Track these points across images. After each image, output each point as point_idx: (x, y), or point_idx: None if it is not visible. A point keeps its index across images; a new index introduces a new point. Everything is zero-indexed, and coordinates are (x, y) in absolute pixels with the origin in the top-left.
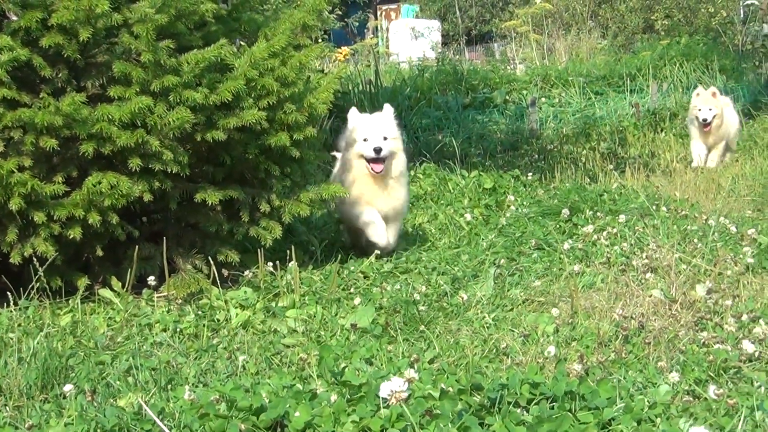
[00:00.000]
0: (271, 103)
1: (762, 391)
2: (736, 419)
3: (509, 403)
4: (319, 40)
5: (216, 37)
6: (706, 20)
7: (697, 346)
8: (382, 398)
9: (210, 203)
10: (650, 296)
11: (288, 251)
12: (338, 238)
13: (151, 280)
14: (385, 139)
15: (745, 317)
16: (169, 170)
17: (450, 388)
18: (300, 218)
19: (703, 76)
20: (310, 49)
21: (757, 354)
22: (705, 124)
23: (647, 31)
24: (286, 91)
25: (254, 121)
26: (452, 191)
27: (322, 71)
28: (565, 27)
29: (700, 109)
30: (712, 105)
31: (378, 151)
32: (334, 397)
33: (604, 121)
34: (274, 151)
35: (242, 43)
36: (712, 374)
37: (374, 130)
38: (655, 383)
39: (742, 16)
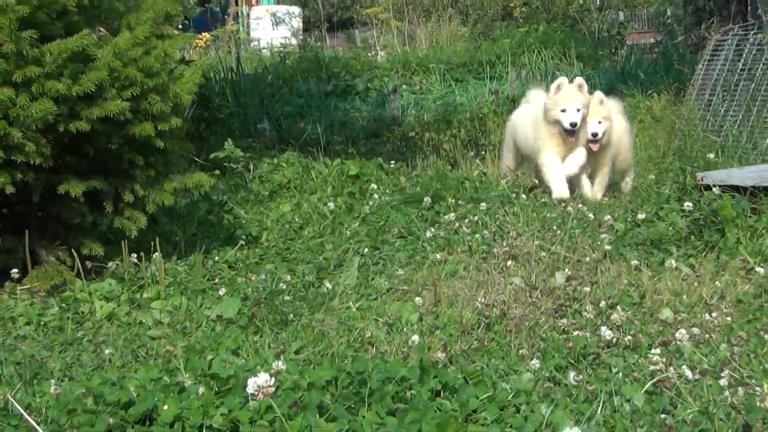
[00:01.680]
0: (134, 93)
1: (620, 376)
2: (595, 405)
3: (376, 392)
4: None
5: (78, 27)
6: (564, 8)
7: (557, 333)
8: (250, 394)
9: (73, 195)
10: (511, 284)
11: (152, 242)
12: (203, 228)
13: (14, 272)
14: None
15: (603, 304)
16: (31, 162)
17: (317, 379)
18: (164, 209)
19: (560, 63)
20: (174, 39)
21: (614, 340)
22: (571, 132)
23: (506, 19)
24: (150, 82)
25: (118, 111)
26: (315, 179)
27: (183, 59)
28: (425, 14)
29: (564, 110)
30: (580, 104)
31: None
32: (202, 390)
33: (465, 108)
34: (138, 141)
35: (102, 30)
36: (572, 360)
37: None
38: (517, 370)
39: (598, 3)
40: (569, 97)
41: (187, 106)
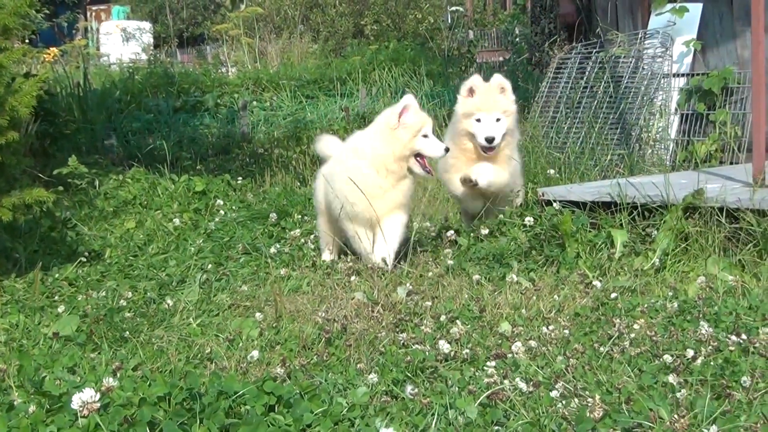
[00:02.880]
0: None
1: (455, 389)
2: (429, 417)
3: (208, 407)
4: (26, 40)
5: None
6: (414, 26)
7: (397, 346)
8: (77, 409)
9: None
10: (353, 299)
11: None
12: (44, 245)
13: None
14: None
15: (443, 318)
16: None
17: (149, 396)
18: (3, 225)
19: (411, 81)
20: (11, 52)
21: (452, 353)
22: (489, 147)
23: (357, 36)
24: None
25: None
26: (161, 196)
27: (28, 74)
28: (276, 31)
29: (479, 119)
30: (500, 111)
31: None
32: (32, 408)
33: (315, 125)
34: None
35: None
36: (409, 374)
37: None
38: (356, 385)
39: (449, 22)
40: (488, 102)
41: (26, 119)
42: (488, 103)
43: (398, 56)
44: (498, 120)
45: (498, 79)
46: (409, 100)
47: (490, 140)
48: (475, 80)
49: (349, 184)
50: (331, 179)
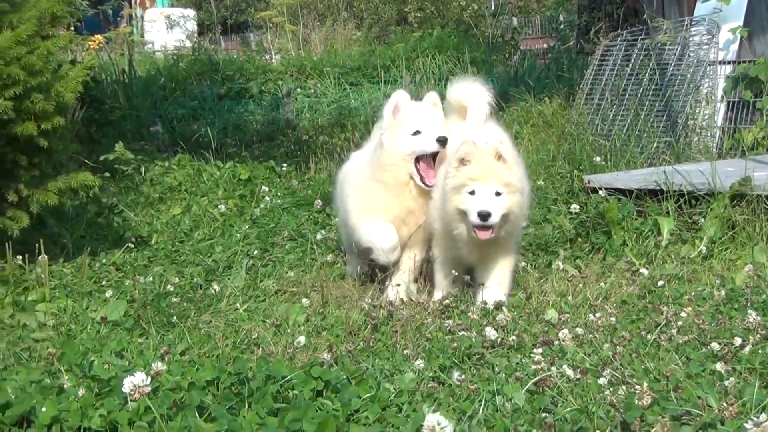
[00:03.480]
0: (17, 92)
1: (502, 376)
2: (476, 403)
3: (257, 392)
4: (72, 27)
5: None
6: (458, 13)
7: (443, 333)
8: (128, 393)
9: None
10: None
11: (38, 244)
12: (91, 230)
13: None
14: None
15: (489, 305)
16: None
17: (197, 380)
18: (51, 210)
19: (454, 68)
20: (58, 38)
21: (499, 340)
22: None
23: (401, 23)
24: (33, 81)
25: (0, 110)
26: (207, 182)
27: (74, 61)
28: (320, 18)
29: (473, 192)
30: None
31: None
32: (82, 392)
33: (359, 112)
34: (21, 140)
35: None
36: (456, 360)
37: None
38: (402, 371)
39: (492, 8)
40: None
41: (72, 105)
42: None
43: (442, 43)
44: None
45: (431, 96)
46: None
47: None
48: (399, 95)
49: None
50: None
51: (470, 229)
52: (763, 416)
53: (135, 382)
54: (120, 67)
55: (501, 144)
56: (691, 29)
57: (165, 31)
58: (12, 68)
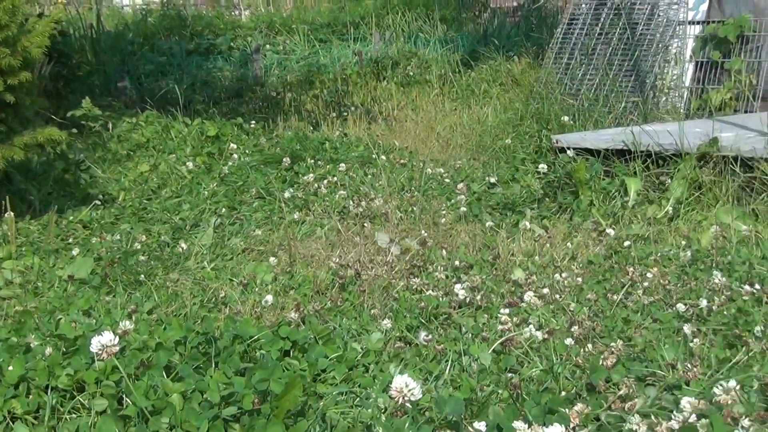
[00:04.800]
0: None
1: (469, 336)
2: (443, 364)
3: (224, 351)
4: None
5: None
6: None
7: (411, 293)
8: (96, 352)
9: None
10: (370, 244)
11: (4, 201)
12: (59, 187)
13: None
14: None
15: (456, 264)
16: None
17: (165, 340)
18: (17, 166)
19: (424, 26)
20: None
21: (466, 300)
22: None
23: None
24: None
25: None
26: (175, 139)
27: (41, 14)
28: None
29: None
30: None
31: None
32: (49, 350)
33: (328, 69)
34: None
35: None
36: (423, 320)
37: None
38: (369, 330)
39: None
40: None
41: (39, 60)
42: None
43: (412, 1)
44: None
45: None
46: None
47: None
48: None
49: None
50: None
51: None
52: (732, 382)
53: (103, 341)
54: (88, 22)
55: None
56: None
57: None
58: None
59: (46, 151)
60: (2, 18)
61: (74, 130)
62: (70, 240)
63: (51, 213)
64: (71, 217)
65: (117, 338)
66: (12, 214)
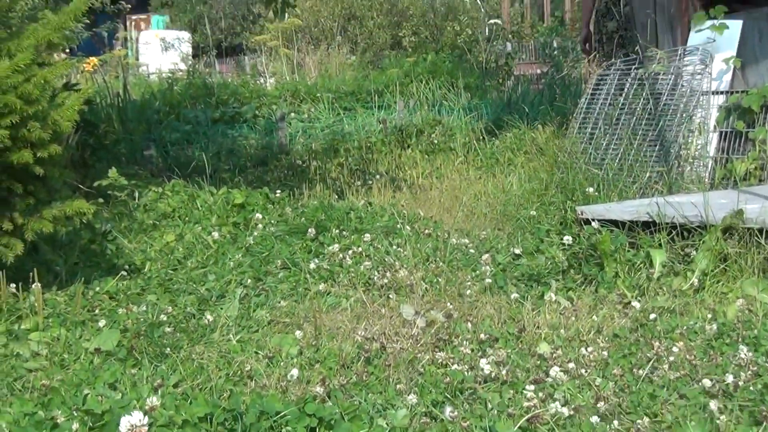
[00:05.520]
0: (14, 120)
1: (495, 412)
2: None
3: (251, 428)
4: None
5: None
6: (452, 38)
7: (436, 366)
8: None
9: None
10: (395, 316)
11: (31, 272)
12: (85, 257)
13: None
14: None
15: (482, 337)
16: None
17: (191, 416)
18: (44, 236)
19: (448, 93)
20: (54, 67)
21: (492, 374)
22: None
23: (395, 48)
24: (30, 109)
25: None
26: (200, 208)
27: (68, 83)
28: (315, 42)
29: None
30: None
31: None
32: (75, 426)
33: (353, 137)
34: (16, 168)
35: None
36: (449, 395)
37: None
38: (395, 405)
39: (486, 34)
40: None
41: (68, 133)
42: None
43: (436, 68)
44: None
45: None
46: None
47: None
48: None
49: None
50: None
51: None
52: None
53: (132, 421)
54: (114, 90)
55: None
56: (685, 59)
57: (160, 53)
58: (9, 97)
59: (73, 221)
60: (33, 92)
61: (100, 200)
62: (97, 311)
63: (78, 284)
64: (97, 288)
65: (146, 417)
66: (39, 285)
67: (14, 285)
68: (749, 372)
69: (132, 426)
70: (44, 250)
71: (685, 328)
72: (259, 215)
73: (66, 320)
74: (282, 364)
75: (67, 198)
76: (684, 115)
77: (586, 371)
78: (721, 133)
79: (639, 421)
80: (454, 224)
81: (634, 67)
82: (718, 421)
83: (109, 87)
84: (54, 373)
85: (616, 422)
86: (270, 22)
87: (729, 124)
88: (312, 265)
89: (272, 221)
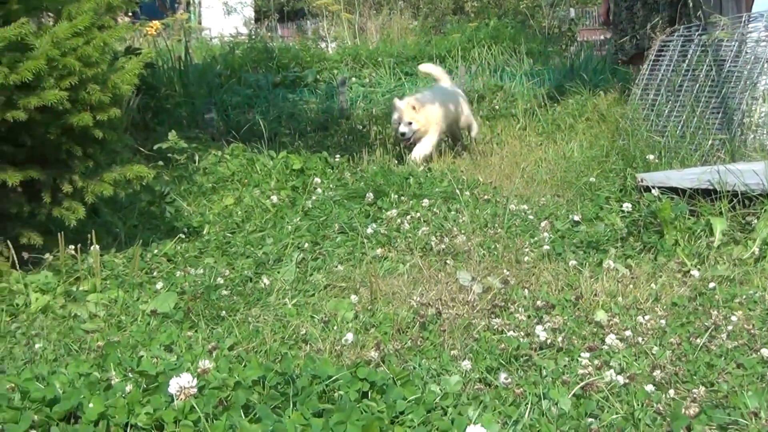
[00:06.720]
0: (73, 83)
1: (549, 379)
2: (522, 407)
3: (302, 392)
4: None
5: (17, 16)
6: (515, 3)
7: (491, 333)
8: (174, 394)
9: (10, 184)
10: (452, 282)
11: (90, 234)
12: (144, 220)
13: None
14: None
15: (539, 304)
16: None
17: (244, 379)
18: (104, 199)
19: (510, 59)
20: (114, 30)
21: (548, 341)
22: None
23: (457, 13)
24: (90, 71)
25: (56, 101)
26: (260, 172)
27: (129, 48)
28: (376, 6)
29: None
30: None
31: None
32: (129, 388)
33: None
34: (76, 131)
35: (51, 15)
36: (503, 362)
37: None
38: (449, 371)
39: None
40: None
41: (128, 97)
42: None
43: (498, 34)
44: (409, 123)
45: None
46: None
47: (402, 134)
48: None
49: None
50: None
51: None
52: None
53: (181, 383)
54: (176, 54)
55: (416, 100)
56: (749, 25)
57: (222, 17)
58: (68, 59)
59: (133, 184)
60: (93, 55)
61: (160, 163)
62: (154, 273)
63: (136, 246)
64: (156, 250)
65: (195, 380)
66: (97, 246)
67: (73, 246)
68: None
69: (181, 387)
70: (104, 213)
71: (744, 297)
72: (317, 179)
73: (124, 282)
74: (337, 328)
75: (128, 161)
76: (748, 82)
77: (642, 339)
78: None
79: (695, 390)
80: (514, 190)
81: (697, 34)
82: None
83: (171, 51)
84: (111, 335)
85: (671, 391)
86: None
87: None
88: (369, 230)
89: (331, 185)
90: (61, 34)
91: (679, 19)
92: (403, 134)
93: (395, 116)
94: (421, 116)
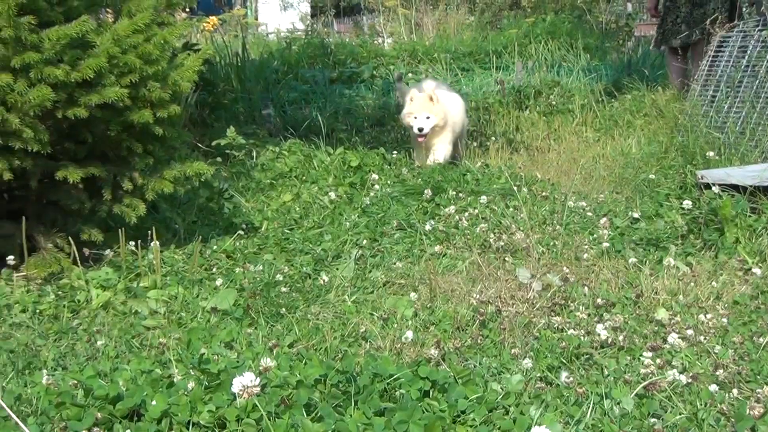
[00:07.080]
0: (133, 80)
1: (611, 378)
2: (585, 407)
3: (364, 391)
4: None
5: (78, 13)
6: None
7: (552, 331)
8: (237, 392)
9: (72, 181)
10: (511, 279)
11: (150, 230)
12: (203, 216)
13: (11, 259)
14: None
15: (599, 302)
16: (29, 148)
17: (305, 377)
18: (164, 195)
19: (567, 55)
20: (174, 27)
21: (608, 340)
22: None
23: (514, 8)
24: (150, 69)
25: (116, 98)
26: (317, 168)
27: (188, 43)
28: (433, 2)
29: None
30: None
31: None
32: (191, 385)
33: (470, 98)
34: (136, 128)
35: (110, 13)
36: (564, 361)
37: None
38: (510, 369)
39: None
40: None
41: (187, 93)
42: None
43: (555, 29)
44: (427, 117)
45: (428, 89)
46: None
47: (420, 130)
48: (413, 92)
49: None
50: None
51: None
52: None
53: (244, 382)
54: (233, 50)
55: (433, 92)
56: None
57: (279, 12)
58: (128, 56)
59: (192, 181)
60: (153, 52)
61: (218, 159)
62: (214, 270)
63: (195, 242)
64: (215, 247)
65: (258, 379)
66: (157, 243)
67: (133, 243)
68: None
69: (244, 387)
70: (163, 209)
71: None
72: (375, 176)
73: (183, 279)
74: (396, 325)
75: (186, 157)
76: None
77: (704, 338)
78: None
79: (759, 390)
80: (572, 187)
81: (757, 29)
82: None
83: (228, 46)
84: (171, 332)
85: (735, 391)
86: None
87: None
88: (428, 227)
89: (389, 182)
90: (121, 31)
91: (738, 15)
92: (420, 130)
93: (410, 108)
94: (439, 109)
